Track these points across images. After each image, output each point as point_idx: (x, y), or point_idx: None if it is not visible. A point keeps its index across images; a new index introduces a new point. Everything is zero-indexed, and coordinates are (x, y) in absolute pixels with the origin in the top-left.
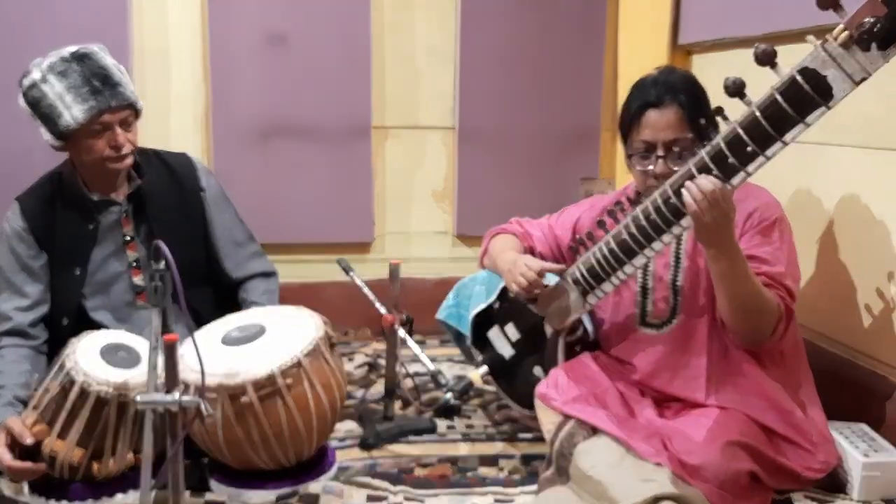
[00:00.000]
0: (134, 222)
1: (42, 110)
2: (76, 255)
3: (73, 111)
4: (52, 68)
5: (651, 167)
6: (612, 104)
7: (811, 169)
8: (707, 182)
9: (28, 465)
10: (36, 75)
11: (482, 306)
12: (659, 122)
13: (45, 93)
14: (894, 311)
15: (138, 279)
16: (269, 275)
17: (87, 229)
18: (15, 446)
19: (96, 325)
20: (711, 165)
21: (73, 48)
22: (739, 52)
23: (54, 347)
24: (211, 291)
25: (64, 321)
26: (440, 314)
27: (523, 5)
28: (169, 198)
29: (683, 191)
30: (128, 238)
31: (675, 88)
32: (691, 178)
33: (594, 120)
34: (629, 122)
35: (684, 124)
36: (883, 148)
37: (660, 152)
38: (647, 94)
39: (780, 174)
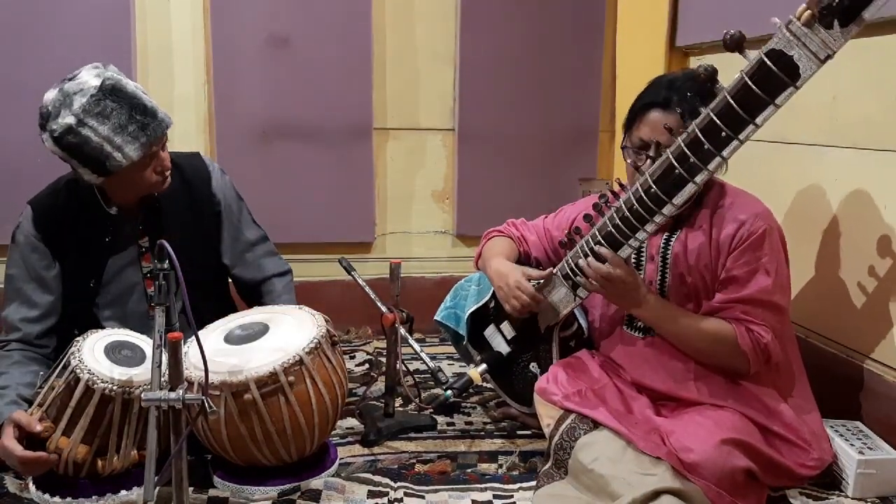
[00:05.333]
0: (149, 233)
1: (85, 154)
2: (90, 267)
3: (125, 151)
4: (88, 111)
5: (640, 164)
6: (610, 105)
7: (808, 170)
8: (597, 264)
9: (40, 454)
10: (69, 120)
11: (476, 306)
12: (658, 125)
13: (87, 138)
14: (889, 310)
15: (153, 290)
16: (284, 273)
17: (103, 241)
18: (22, 439)
19: None
20: (688, 153)
21: (93, 79)
22: (736, 54)
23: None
24: (219, 294)
25: (76, 332)
26: (438, 315)
27: (523, 8)
28: (183, 205)
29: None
30: (143, 249)
31: (686, 97)
32: (672, 168)
33: (593, 121)
34: (633, 115)
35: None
36: (879, 149)
37: (651, 153)
38: (658, 93)
39: (776, 174)
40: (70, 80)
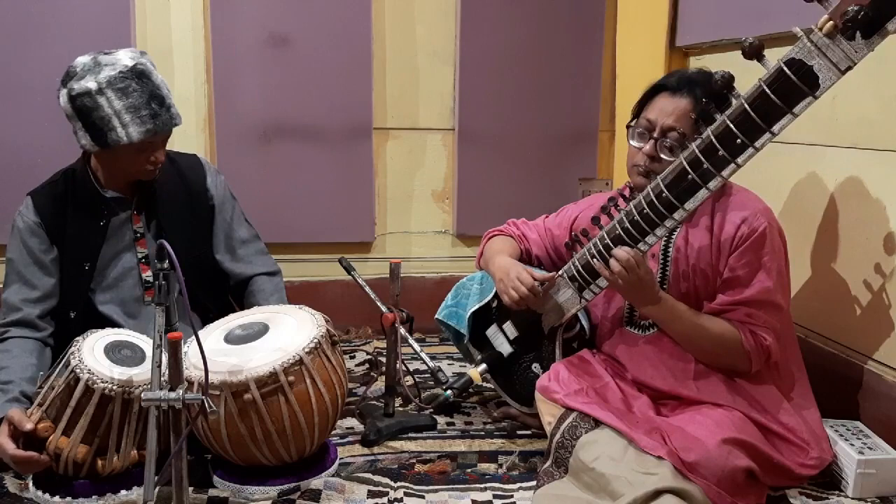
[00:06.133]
0: (144, 219)
1: (92, 120)
2: (86, 251)
3: (129, 130)
4: (112, 83)
5: (643, 145)
6: (610, 105)
7: (807, 169)
8: (622, 252)
9: (32, 454)
10: (91, 85)
11: (478, 305)
12: (667, 107)
13: (100, 105)
14: (889, 310)
15: (147, 275)
16: (274, 273)
17: (98, 226)
18: (18, 438)
19: (105, 319)
20: (702, 158)
21: (127, 59)
22: (737, 54)
23: (61, 340)
24: (218, 288)
25: (71, 314)
26: (439, 314)
27: (522, 7)
28: (178, 197)
29: (610, 259)
30: (138, 234)
31: (697, 86)
32: (685, 174)
33: (592, 121)
34: (644, 99)
35: (689, 120)
36: (878, 148)
37: (656, 134)
38: (670, 79)
39: (776, 174)
40: (106, 54)
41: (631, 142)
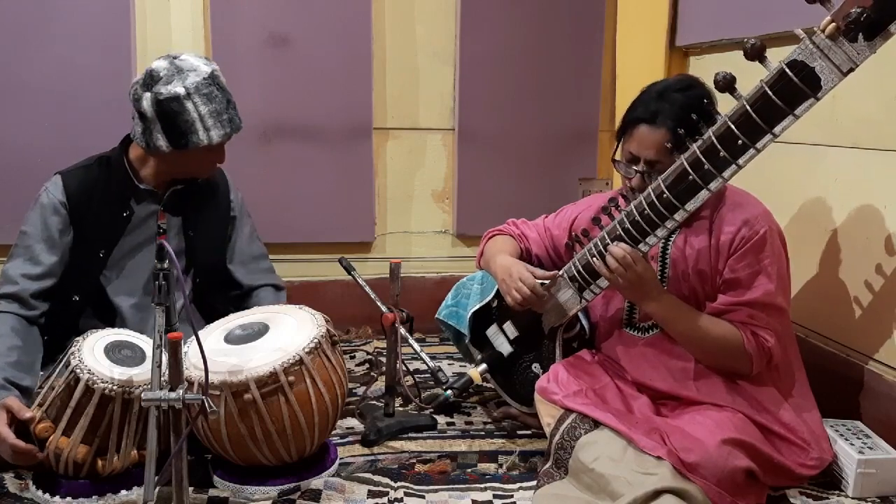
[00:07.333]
0: (169, 216)
1: (175, 122)
2: (104, 238)
3: (210, 133)
4: (198, 89)
5: (630, 177)
6: (610, 105)
7: (809, 169)
8: (618, 249)
9: (31, 447)
10: (179, 90)
11: (479, 305)
12: (645, 141)
13: (186, 109)
14: (889, 310)
15: None
16: (279, 288)
17: (122, 216)
18: (14, 428)
19: (111, 307)
20: (703, 159)
21: (203, 65)
22: (736, 54)
23: (59, 321)
24: (227, 293)
25: (74, 298)
26: (439, 314)
27: (522, 7)
28: (206, 201)
29: (607, 256)
30: (161, 230)
31: (674, 112)
32: (685, 174)
33: (592, 121)
34: (624, 127)
35: (668, 149)
36: (879, 149)
37: (639, 167)
38: (646, 107)
39: (778, 174)
40: (176, 58)
41: (619, 172)
